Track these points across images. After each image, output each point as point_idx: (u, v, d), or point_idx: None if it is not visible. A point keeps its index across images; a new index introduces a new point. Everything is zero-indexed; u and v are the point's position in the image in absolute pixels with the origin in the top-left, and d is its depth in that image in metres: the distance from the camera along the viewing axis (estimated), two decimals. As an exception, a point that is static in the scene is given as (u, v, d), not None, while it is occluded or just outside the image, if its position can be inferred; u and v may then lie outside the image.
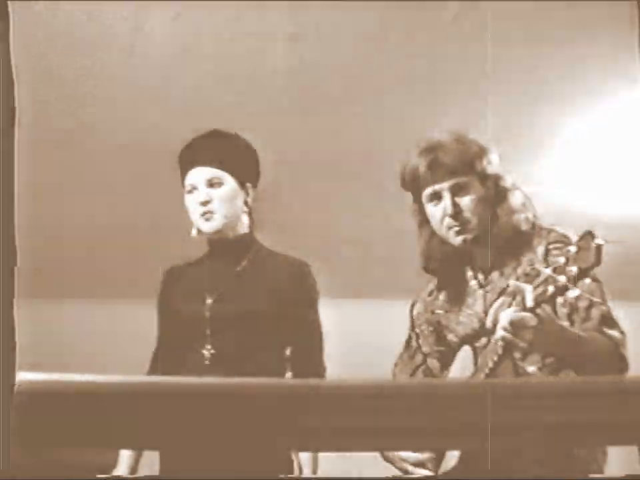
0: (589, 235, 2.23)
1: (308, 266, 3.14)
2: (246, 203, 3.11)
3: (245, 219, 3.11)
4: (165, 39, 3.87)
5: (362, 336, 5.45)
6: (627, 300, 4.34)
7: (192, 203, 3.05)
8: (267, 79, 4.13)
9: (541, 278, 2.30)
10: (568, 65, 4.13)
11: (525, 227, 2.63)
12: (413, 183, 2.71)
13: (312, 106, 4.32)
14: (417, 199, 2.74)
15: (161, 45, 3.90)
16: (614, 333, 2.50)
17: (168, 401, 1.47)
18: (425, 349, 2.83)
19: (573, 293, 2.30)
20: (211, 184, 3.05)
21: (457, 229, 2.63)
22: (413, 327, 2.87)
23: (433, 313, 2.82)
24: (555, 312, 2.51)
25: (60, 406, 1.43)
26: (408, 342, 2.89)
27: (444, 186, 2.64)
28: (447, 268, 2.76)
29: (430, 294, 2.84)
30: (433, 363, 2.81)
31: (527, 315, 2.31)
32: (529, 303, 2.32)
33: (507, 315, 2.34)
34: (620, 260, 4.89)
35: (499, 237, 2.63)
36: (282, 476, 2.88)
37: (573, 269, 2.24)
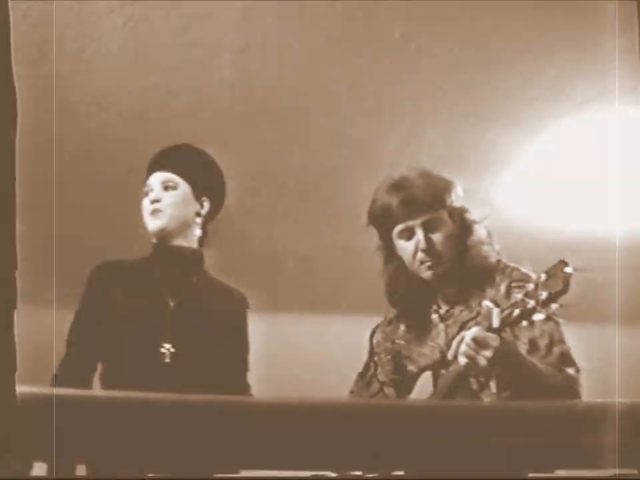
0: (560, 263, 2.32)
1: (244, 300, 3.24)
2: (198, 214, 3.14)
3: (196, 231, 3.13)
4: (114, 46, 3.85)
5: (301, 350, 5.44)
6: (586, 322, 4.41)
7: (145, 203, 3.11)
8: (215, 89, 4.12)
9: (511, 302, 2.35)
10: (514, 86, 4.16)
11: (492, 259, 2.68)
12: (383, 220, 2.72)
13: (259, 118, 4.31)
14: (385, 235, 2.75)
15: (110, 52, 3.87)
16: (570, 370, 2.56)
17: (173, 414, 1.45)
18: (382, 377, 2.84)
19: (538, 316, 2.36)
20: (165, 186, 3.11)
21: (429, 263, 2.66)
22: (371, 355, 2.88)
23: (393, 342, 2.83)
24: None
25: (60, 418, 1.41)
26: (365, 369, 2.89)
27: (416, 222, 2.66)
28: (411, 301, 2.78)
29: (389, 323, 2.86)
30: (390, 390, 2.82)
31: (490, 334, 2.36)
32: (495, 323, 2.36)
33: (471, 332, 2.38)
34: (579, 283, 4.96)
35: (469, 269, 2.67)
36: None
37: (543, 293, 2.30)
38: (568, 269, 2.29)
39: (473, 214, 2.75)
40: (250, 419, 1.48)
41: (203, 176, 3.19)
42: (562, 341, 2.57)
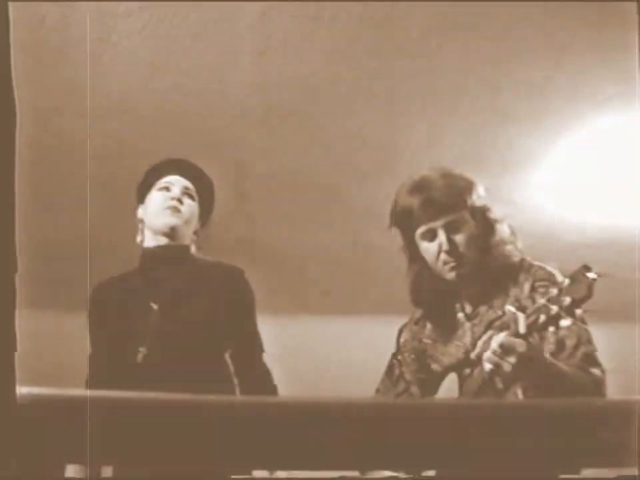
0: (583, 268, 2.27)
1: (242, 271, 3.19)
2: (195, 232, 3.19)
3: (191, 246, 3.18)
4: (132, 50, 3.86)
5: (326, 351, 5.44)
6: (608, 321, 4.38)
7: (160, 197, 3.13)
8: (233, 92, 4.13)
9: (535, 307, 2.34)
10: (536, 82, 4.15)
11: (516, 257, 2.66)
12: (405, 222, 2.71)
13: (279, 120, 4.31)
14: (408, 236, 2.74)
15: (128, 56, 3.89)
16: (596, 371, 2.53)
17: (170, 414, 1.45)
18: (408, 376, 2.84)
19: (564, 323, 2.36)
20: (185, 192, 3.16)
21: (452, 264, 2.64)
22: (397, 353, 2.88)
23: (420, 341, 2.83)
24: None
25: (61, 419, 1.41)
26: (391, 368, 2.89)
27: (438, 224, 2.64)
28: (435, 301, 2.77)
29: (417, 322, 2.86)
30: (415, 390, 2.82)
31: (518, 340, 2.33)
32: (522, 329, 2.34)
33: (498, 338, 2.36)
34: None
35: (492, 269, 2.65)
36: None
37: (567, 299, 2.28)
38: (591, 274, 2.26)
39: (495, 213, 2.74)
40: (274, 419, 1.47)
41: (208, 198, 3.24)
42: (589, 342, 2.54)
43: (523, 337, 2.34)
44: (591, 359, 2.53)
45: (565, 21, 3.74)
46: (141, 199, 3.22)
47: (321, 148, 4.50)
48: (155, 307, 3.04)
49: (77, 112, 4.16)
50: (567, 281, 2.29)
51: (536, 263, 2.66)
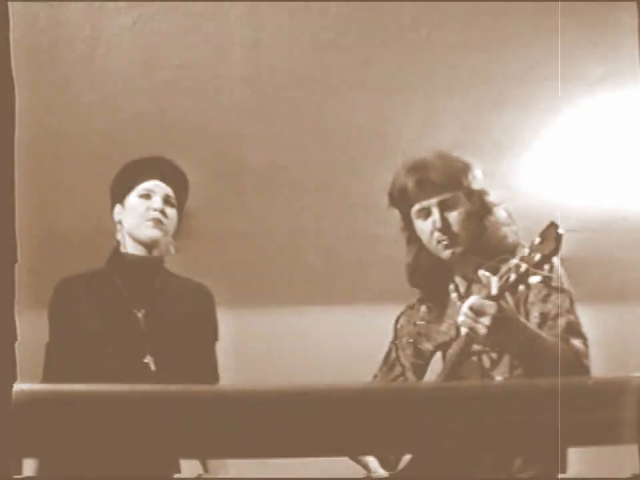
0: (552, 226, 2.33)
1: (209, 290, 3.24)
2: (173, 234, 3.18)
3: (171, 248, 3.18)
4: (123, 48, 3.86)
5: (328, 342, 5.44)
6: (590, 301, 4.38)
7: (142, 206, 3.11)
8: (226, 86, 4.13)
9: (506, 267, 2.36)
10: (527, 68, 4.15)
11: (510, 239, 2.68)
12: (401, 200, 2.76)
13: (272, 112, 4.32)
14: (406, 216, 2.79)
15: (120, 54, 3.89)
16: (577, 342, 2.54)
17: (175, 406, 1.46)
18: (404, 360, 2.87)
19: (534, 279, 2.37)
20: (167, 200, 3.14)
21: (445, 242, 2.68)
22: (394, 338, 2.92)
23: (414, 324, 2.87)
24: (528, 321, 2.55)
25: (58, 414, 1.42)
26: (388, 354, 2.93)
27: (432, 202, 2.69)
28: (431, 281, 2.81)
29: (412, 307, 2.91)
30: (410, 375, 2.85)
31: (487, 301, 2.35)
32: (494, 290, 2.37)
33: (467, 301, 2.39)
34: (584, 262, 4.94)
35: (487, 248, 2.67)
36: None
37: (536, 255, 2.31)
38: (560, 230, 2.30)
39: (492, 197, 2.76)
40: (269, 407, 1.48)
41: (184, 198, 3.23)
42: (569, 312, 2.57)
43: (495, 298, 2.35)
44: (571, 329, 2.55)
45: (554, 4, 3.74)
46: (118, 198, 3.19)
47: (316, 139, 4.50)
48: (139, 315, 3.06)
49: (70, 110, 4.16)
50: (537, 239, 2.33)
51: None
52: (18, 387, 1.39)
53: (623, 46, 3.68)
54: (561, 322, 2.54)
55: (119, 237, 3.16)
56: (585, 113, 4.38)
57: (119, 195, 3.19)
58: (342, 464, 2.49)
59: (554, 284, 2.55)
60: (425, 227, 2.72)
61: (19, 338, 1.50)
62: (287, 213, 4.95)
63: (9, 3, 1.64)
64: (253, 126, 4.39)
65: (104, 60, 3.90)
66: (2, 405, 1.40)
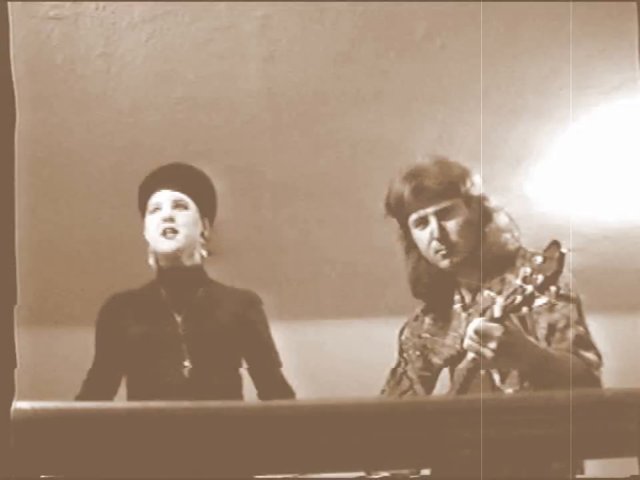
0: (554, 245, 2.27)
1: (256, 294, 3.24)
2: (202, 234, 3.17)
3: (201, 251, 3.16)
4: (138, 63, 3.87)
5: (344, 356, 5.43)
6: (605, 312, 4.36)
7: (154, 222, 3.10)
8: (241, 99, 4.13)
9: (511, 289, 2.31)
10: (543, 77, 4.14)
11: (512, 246, 2.63)
12: (398, 209, 2.71)
13: (288, 125, 4.32)
14: (403, 225, 2.74)
15: (134, 69, 3.90)
16: (589, 354, 2.49)
17: (167, 425, 1.45)
18: (411, 374, 2.82)
19: (539, 301, 2.31)
20: (176, 205, 3.11)
21: (443, 252, 2.63)
22: (401, 352, 2.87)
23: (419, 337, 2.82)
24: (535, 334, 2.52)
25: (58, 433, 1.42)
26: (395, 368, 2.88)
27: (429, 211, 2.64)
28: (434, 291, 2.76)
29: (416, 318, 2.85)
30: (419, 388, 2.80)
31: (494, 325, 2.30)
32: (497, 313, 2.31)
33: (473, 324, 2.33)
34: (601, 272, 4.92)
35: (487, 257, 2.62)
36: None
37: (539, 278, 2.26)
38: (563, 250, 2.25)
39: (492, 202, 2.71)
40: (295, 422, 1.48)
41: (205, 195, 3.20)
42: (579, 323, 2.51)
43: (499, 320, 2.30)
44: (583, 342, 2.50)
45: (569, 13, 3.73)
46: (143, 220, 3.20)
47: (332, 151, 4.50)
48: (179, 319, 3.06)
49: (85, 126, 4.17)
50: (539, 259, 2.27)
51: (532, 249, 2.63)
52: (16, 405, 1.39)
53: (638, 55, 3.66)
54: (570, 334, 2.49)
55: (150, 261, 3.17)
56: (600, 122, 4.37)
57: (143, 216, 3.19)
58: None
59: (561, 292, 2.47)
60: (423, 237, 2.66)
61: (18, 358, 1.49)
62: (303, 225, 4.95)
63: (15, 23, 1.63)
64: (268, 139, 4.39)
65: (119, 76, 3.91)
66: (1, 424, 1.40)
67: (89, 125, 4.18)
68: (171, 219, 3.06)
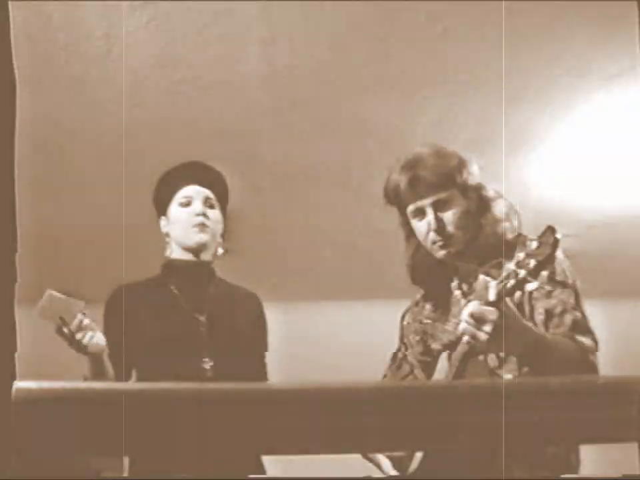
0: (549, 230, 2.28)
1: (258, 298, 3.27)
2: (222, 235, 3.22)
3: (219, 249, 3.21)
4: (139, 45, 3.88)
5: (344, 337, 5.46)
6: (604, 298, 4.38)
7: (185, 214, 3.15)
8: (242, 83, 4.14)
9: (505, 273, 2.32)
10: (542, 64, 4.14)
11: (510, 235, 2.63)
12: (396, 200, 2.72)
13: (288, 109, 4.32)
14: (402, 214, 2.75)
15: (136, 51, 3.90)
16: (585, 339, 2.50)
17: (166, 406, 1.46)
18: (411, 359, 2.84)
19: (531, 286, 2.32)
20: (207, 203, 3.17)
21: (440, 243, 2.64)
22: (402, 337, 2.89)
23: (420, 322, 2.83)
24: (533, 320, 2.53)
25: (58, 413, 1.43)
26: (395, 352, 2.90)
27: (426, 202, 2.65)
28: (433, 279, 2.77)
29: (417, 304, 2.87)
30: (419, 373, 2.82)
31: (488, 308, 2.30)
32: (492, 297, 2.31)
33: (468, 308, 2.34)
34: (601, 258, 4.93)
35: (485, 246, 2.62)
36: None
37: (531, 261, 2.27)
38: (557, 235, 2.25)
39: (490, 191, 2.71)
40: (294, 404, 1.49)
41: (226, 198, 3.26)
42: (575, 309, 2.52)
43: (494, 304, 2.30)
44: (579, 327, 2.51)
45: (569, 2, 3.73)
46: (161, 210, 3.22)
47: (332, 135, 4.50)
48: (202, 318, 3.09)
49: (86, 107, 4.18)
50: (534, 244, 2.28)
51: (530, 235, 2.64)
52: (17, 385, 1.40)
53: (637, 42, 3.66)
54: (567, 319, 2.51)
55: (167, 251, 3.20)
56: (599, 109, 4.37)
57: (161, 207, 3.22)
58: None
59: (558, 278, 2.51)
60: (421, 227, 2.67)
61: (18, 338, 1.51)
62: (303, 208, 4.97)
63: (15, 5, 1.65)
64: (268, 123, 4.40)
65: (119, 58, 3.91)
66: (1, 404, 1.41)
67: (90, 106, 4.18)
68: (205, 214, 3.13)
